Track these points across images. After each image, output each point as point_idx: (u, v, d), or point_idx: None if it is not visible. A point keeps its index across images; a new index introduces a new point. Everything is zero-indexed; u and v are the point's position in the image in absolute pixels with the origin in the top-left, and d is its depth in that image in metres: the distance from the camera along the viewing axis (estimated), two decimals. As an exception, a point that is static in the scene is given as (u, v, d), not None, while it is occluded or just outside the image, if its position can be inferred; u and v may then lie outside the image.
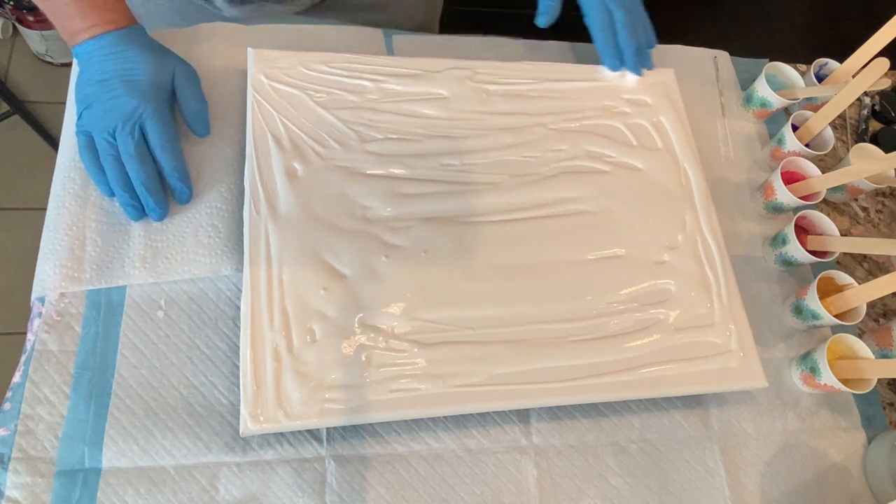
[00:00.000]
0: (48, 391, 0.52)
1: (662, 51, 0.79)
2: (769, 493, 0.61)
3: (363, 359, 0.54)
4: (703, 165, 0.69)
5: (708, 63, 0.81)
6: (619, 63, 0.71)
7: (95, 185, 0.57)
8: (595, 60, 0.73)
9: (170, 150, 0.57)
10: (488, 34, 0.76)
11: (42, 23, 1.52)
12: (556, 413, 0.59)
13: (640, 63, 0.71)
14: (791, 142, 0.72)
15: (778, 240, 0.69)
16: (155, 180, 0.56)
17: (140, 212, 0.57)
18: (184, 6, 0.73)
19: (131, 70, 0.56)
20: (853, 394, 0.64)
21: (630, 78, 0.72)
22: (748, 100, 0.78)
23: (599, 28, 0.69)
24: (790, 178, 0.70)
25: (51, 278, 0.55)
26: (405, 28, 0.74)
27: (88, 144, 0.56)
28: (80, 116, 0.56)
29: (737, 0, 1.99)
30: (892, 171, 0.72)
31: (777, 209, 0.71)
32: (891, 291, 0.60)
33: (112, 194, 0.56)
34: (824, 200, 0.75)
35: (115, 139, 0.55)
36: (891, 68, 0.66)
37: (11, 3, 1.48)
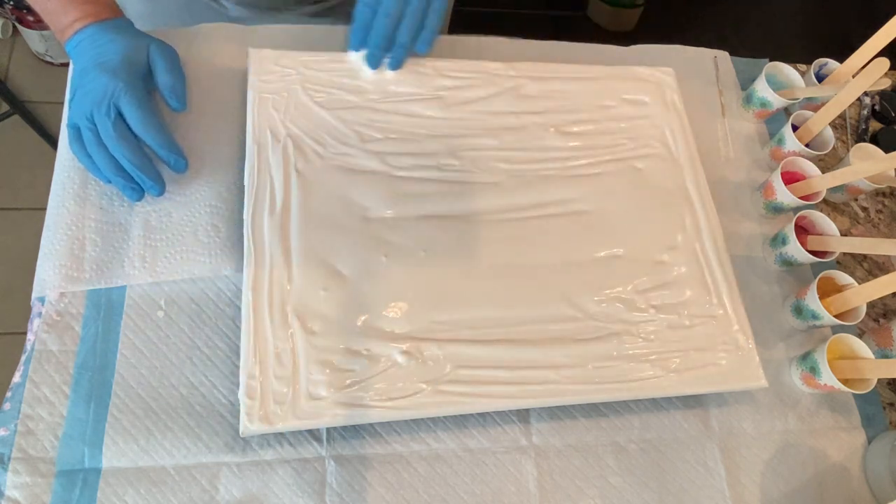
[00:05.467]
0: (48, 391, 0.52)
1: (662, 51, 0.79)
2: (769, 493, 0.61)
3: (363, 358, 0.54)
4: (703, 165, 0.69)
5: (708, 63, 0.81)
6: (361, 46, 0.63)
7: (92, 175, 0.57)
8: (597, 60, 0.73)
9: (149, 125, 0.56)
10: (488, 34, 0.76)
11: (42, 23, 1.52)
12: (556, 413, 0.59)
13: (394, 56, 0.63)
14: (791, 142, 0.72)
15: (778, 240, 0.69)
16: (142, 157, 0.56)
17: (139, 192, 0.57)
18: (191, 4, 0.73)
19: (104, 54, 0.56)
20: (853, 394, 0.64)
21: (366, 70, 0.64)
22: (748, 100, 0.78)
23: (359, 7, 0.61)
24: (790, 178, 0.70)
25: (51, 278, 0.55)
26: None
27: (76, 136, 0.56)
28: (68, 110, 0.57)
29: (737, 0, 1.99)
30: (892, 171, 0.72)
31: (777, 209, 0.71)
32: (891, 291, 0.60)
33: (108, 181, 0.56)
34: (824, 200, 0.75)
35: (95, 124, 0.55)
36: (891, 68, 0.66)
37: (11, 2, 1.48)
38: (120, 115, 0.55)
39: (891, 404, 0.68)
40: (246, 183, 0.58)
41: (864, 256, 0.75)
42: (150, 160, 0.57)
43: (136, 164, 0.55)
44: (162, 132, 0.57)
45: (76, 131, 0.56)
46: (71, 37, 0.56)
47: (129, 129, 0.56)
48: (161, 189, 0.57)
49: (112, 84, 0.54)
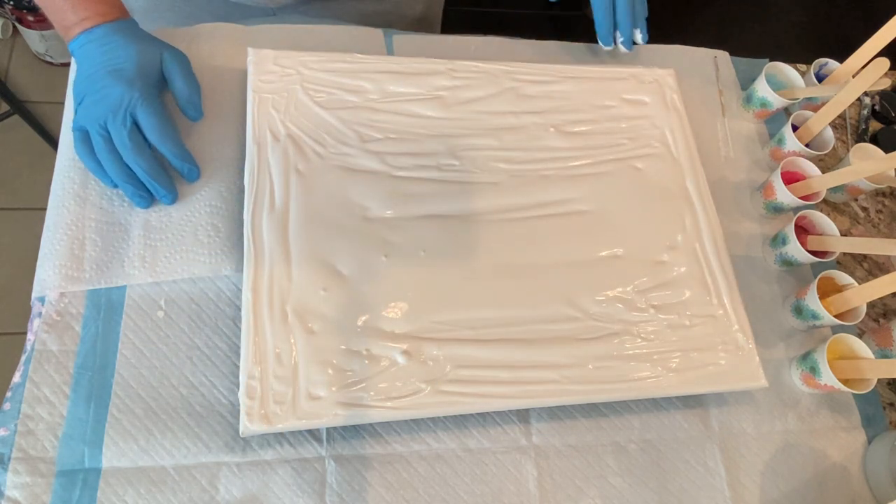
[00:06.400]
0: (48, 391, 0.52)
1: (662, 51, 0.79)
2: (769, 493, 0.61)
3: (363, 359, 0.54)
4: (703, 165, 0.69)
5: (708, 63, 0.81)
6: (612, 39, 0.72)
7: (97, 178, 0.57)
8: (597, 60, 0.73)
9: (166, 134, 0.56)
10: (488, 34, 0.76)
11: (42, 23, 1.52)
12: (556, 413, 0.59)
13: (634, 36, 0.72)
14: (791, 142, 0.72)
15: (778, 240, 0.69)
16: (157, 167, 0.56)
17: (148, 200, 0.57)
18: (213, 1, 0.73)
19: (116, 60, 0.55)
20: (853, 394, 0.64)
21: (621, 49, 0.73)
22: (748, 100, 0.78)
23: (600, 4, 0.70)
24: (790, 178, 0.70)
25: (51, 278, 0.55)
26: (408, 19, 0.73)
27: (83, 139, 0.55)
28: (75, 113, 0.56)
29: (737, 0, 1.99)
30: (892, 171, 0.72)
31: (777, 209, 0.71)
32: (891, 291, 0.60)
33: (115, 185, 0.56)
34: (824, 200, 0.75)
35: (108, 131, 0.54)
36: (891, 68, 0.66)
37: (11, 3, 1.48)
38: (135, 124, 0.55)
39: (891, 404, 0.68)
40: (246, 183, 0.58)
41: (864, 256, 0.75)
42: (164, 169, 0.57)
43: (152, 173, 0.55)
44: (178, 142, 0.57)
45: (83, 135, 0.56)
46: (77, 35, 0.56)
47: (144, 137, 0.56)
48: (174, 198, 0.57)
49: (129, 94, 0.54)
